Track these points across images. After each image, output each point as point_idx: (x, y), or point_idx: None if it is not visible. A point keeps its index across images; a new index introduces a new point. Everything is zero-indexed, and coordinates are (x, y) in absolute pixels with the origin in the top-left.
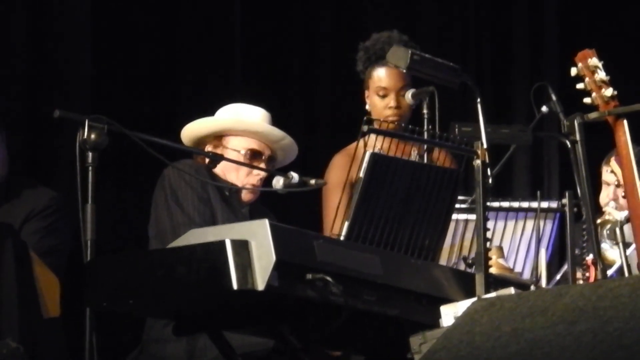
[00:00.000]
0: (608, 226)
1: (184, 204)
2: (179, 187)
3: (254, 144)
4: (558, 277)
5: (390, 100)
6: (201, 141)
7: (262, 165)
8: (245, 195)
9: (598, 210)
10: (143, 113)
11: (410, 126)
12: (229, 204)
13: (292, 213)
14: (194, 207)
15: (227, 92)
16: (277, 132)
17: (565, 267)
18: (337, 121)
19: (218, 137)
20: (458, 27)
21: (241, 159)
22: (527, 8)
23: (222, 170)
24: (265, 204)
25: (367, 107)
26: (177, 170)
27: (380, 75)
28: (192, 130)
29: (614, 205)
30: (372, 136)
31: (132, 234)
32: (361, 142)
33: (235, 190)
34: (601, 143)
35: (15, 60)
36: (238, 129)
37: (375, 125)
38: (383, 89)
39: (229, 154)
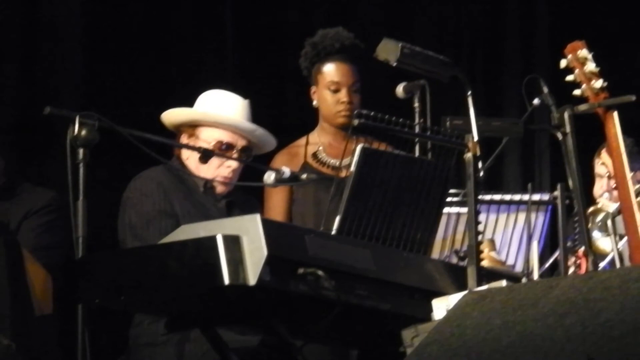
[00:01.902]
0: (600, 215)
1: (137, 217)
2: (136, 202)
3: (224, 136)
4: (547, 265)
5: (343, 95)
6: (178, 129)
7: (235, 156)
8: (219, 187)
9: (591, 203)
10: (134, 109)
11: (400, 120)
12: (201, 204)
13: None
14: (152, 219)
15: (219, 82)
16: (247, 125)
17: (555, 255)
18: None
19: (192, 126)
20: (450, 21)
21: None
22: (518, 0)
23: (195, 163)
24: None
25: (314, 103)
26: (137, 183)
27: (332, 71)
28: (167, 118)
29: (607, 196)
30: (314, 135)
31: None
32: (303, 140)
33: (210, 184)
34: (594, 135)
35: (6, 58)
36: (208, 121)
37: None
38: (335, 83)
39: (200, 144)
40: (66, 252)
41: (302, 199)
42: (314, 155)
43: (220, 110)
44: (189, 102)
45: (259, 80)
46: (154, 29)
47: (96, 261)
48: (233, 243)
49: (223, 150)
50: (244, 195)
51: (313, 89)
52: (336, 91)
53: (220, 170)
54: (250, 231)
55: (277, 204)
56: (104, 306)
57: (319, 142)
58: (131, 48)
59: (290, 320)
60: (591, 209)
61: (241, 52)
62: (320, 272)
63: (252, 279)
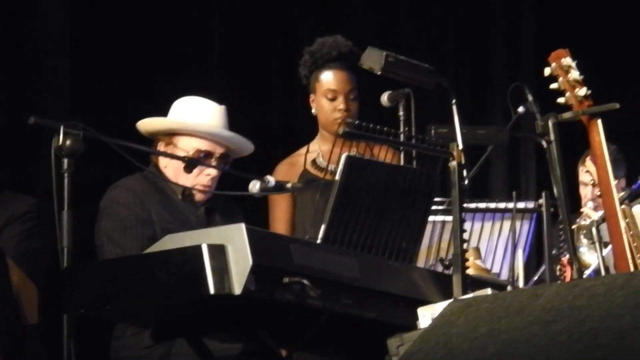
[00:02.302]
0: (584, 231)
1: (113, 227)
2: (112, 211)
3: (203, 144)
4: (536, 277)
5: (340, 103)
6: (154, 137)
7: (214, 164)
8: (198, 195)
9: (576, 210)
10: (121, 118)
11: (385, 128)
12: (180, 212)
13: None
14: (128, 229)
15: (204, 93)
16: (225, 133)
17: (543, 268)
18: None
19: (169, 135)
20: (435, 29)
21: None
22: (503, 9)
23: (174, 171)
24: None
25: (313, 111)
26: (113, 192)
27: (329, 78)
28: (143, 126)
29: (592, 205)
30: (314, 143)
31: None
32: (304, 149)
33: (188, 192)
34: (579, 142)
35: None
36: (185, 130)
37: (346, 128)
38: (332, 91)
39: (179, 153)
40: (48, 258)
41: (302, 206)
42: (313, 162)
43: (198, 119)
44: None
45: (244, 87)
46: (141, 38)
47: (81, 271)
48: (218, 252)
49: (201, 158)
50: (222, 200)
51: (312, 97)
52: (333, 99)
53: (199, 179)
54: (236, 240)
55: (281, 214)
56: (90, 316)
57: (318, 149)
58: (117, 57)
59: (276, 329)
60: (576, 225)
61: (227, 61)
62: (305, 281)
63: (237, 289)
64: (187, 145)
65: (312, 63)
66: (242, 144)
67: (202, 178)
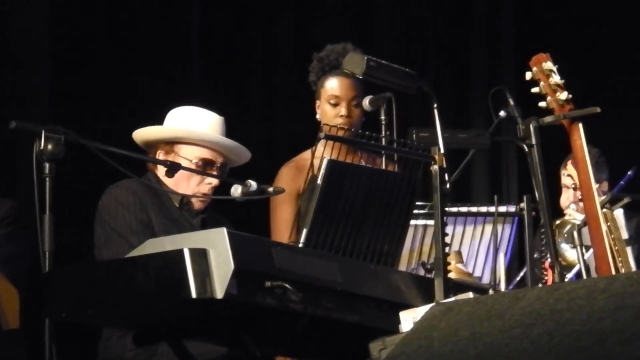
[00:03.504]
0: (567, 227)
1: (117, 227)
2: (113, 211)
3: (206, 153)
4: (518, 278)
5: (342, 109)
6: (152, 146)
7: (215, 173)
8: (197, 204)
9: (558, 214)
10: (102, 122)
11: (366, 132)
12: (176, 220)
13: (250, 221)
14: (130, 229)
15: (186, 98)
16: (229, 143)
17: (524, 270)
18: (297, 130)
19: (169, 143)
20: (415, 33)
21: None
22: (484, 13)
23: (175, 179)
24: (221, 211)
25: (317, 116)
26: (112, 194)
27: (333, 85)
28: (142, 136)
29: (574, 207)
30: (320, 146)
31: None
32: (308, 153)
33: (187, 200)
34: (560, 146)
35: None
36: (191, 139)
37: (327, 131)
38: (335, 97)
39: (180, 162)
40: (29, 262)
41: (303, 210)
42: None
43: (201, 128)
44: (156, 116)
45: (224, 93)
46: (122, 42)
47: (63, 275)
48: (200, 256)
49: (202, 167)
50: (216, 214)
51: (317, 102)
52: (335, 105)
53: (200, 187)
54: (217, 244)
55: (285, 218)
56: (71, 320)
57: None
58: (98, 61)
59: (257, 333)
60: (558, 221)
61: (207, 65)
62: (287, 285)
63: (219, 292)
64: (189, 154)
65: (319, 69)
66: (242, 153)
67: (203, 187)
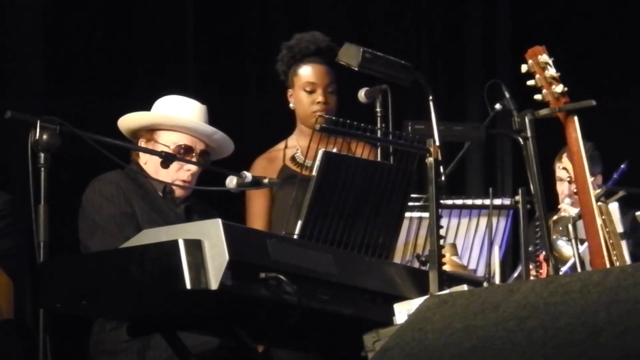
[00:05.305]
0: (562, 225)
1: (102, 220)
2: (97, 205)
3: (184, 139)
4: (515, 274)
5: (318, 96)
6: (135, 134)
7: (194, 160)
8: (177, 191)
9: (553, 207)
10: (96, 112)
11: (362, 124)
12: (160, 209)
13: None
14: (114, 222)
15: (179, 90)
16: (206, 128)
17: (520, 267)
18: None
19: (150, 131)
20: (411, 25)
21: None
22: (480, 5)
23: (154, 167)
24: (212, 201)
25: (291, 105)
26: (96, 187)
27: (307, 72)
28: (124, 123)
29: (569, 201)
30: (292, 138)
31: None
32: (282, 144)
33: (169, 189)
34: (555, 139)
35: None
36: (167, 124)
37: (322, 122)
38: (311, 84)
39: (159, 148)
40: (25, 255)
41: (280, 202)
42: (292, 158)
43: (179, 114)
44: (149, 108)
45: (219, 84)
46: (116, 32)
47: (57, 266)
48: (195, 247)
49: (182, 154)
50: (201, 202)
51: (290, 91)
52: (312, 92)
53: (179, 174)
54: (212, 236)
55: (259, 209)
56: (65, 311)
57: (297, 144)
58: (92, 52)
59: (252, 325)
60: (554, 217)
61: (202, 57)
62: (281, 277)
63: (213, 284)
64: (167, 141)
65: (290, 57)
66: (222, 141)
67: (182, 173)
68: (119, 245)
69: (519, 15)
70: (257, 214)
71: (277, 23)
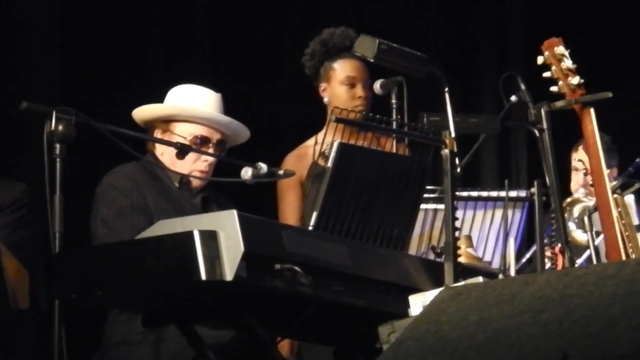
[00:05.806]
0: (577, 206)
1: (115, 213)
2: (110, 198)
3: (200, 130)
4: (528, 255)
5: (359, 90)
6: (151, 125)
7: (211, 150)
8: (195, 182)
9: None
10: (110, 105)
11: (377, 116)
12: (176, 200)
13: (258, 203)
14: (127, 214)
15: (194, 81)
16: (222, 118)
17: (533, 249)
18: (303, 113)
19: (166, 121)
20: (425, 17)
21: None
22: None
23: (171, 159)
24: (228, 192)
25: (325, 100)
26: (109, 182)
27: (347, 66)
28: (139, 115)
29: (583, 192)
30: (322, 133)
31: None
32: (312, 140)
33: (186, 180)
34: (571, 131)
35: None
36: (183, 116)
37: (337, 114)
38: (352, 78)
39: (175, 139)
40: (40, 246)
41: (311, 197)
42: (322, 154)
43: (195, 104)
44: (163, 99)
45: (232, 74)
46: (131, 25)
47: (72, 257)
48: (210, 239)
49: (198, 144)
50: (218, 193)
51: (322, 86)
52: (353, 86)
53: (196, 165)
54: (227, 227)
55: (292, 203)
56: (80, 302)
57: (328, 140)
58: (107, 45)
59: (266, 316)
60: (568, 199)
61: (215, 48)
62: (296, 268)
63: (228, 275)
64: (183, 132)
65: (323, 52)
66: (238, 130)
67: (200, 164)
68: (127, 236)
69: (534, 6)
70: (289, 210)
71: (288, 27)
